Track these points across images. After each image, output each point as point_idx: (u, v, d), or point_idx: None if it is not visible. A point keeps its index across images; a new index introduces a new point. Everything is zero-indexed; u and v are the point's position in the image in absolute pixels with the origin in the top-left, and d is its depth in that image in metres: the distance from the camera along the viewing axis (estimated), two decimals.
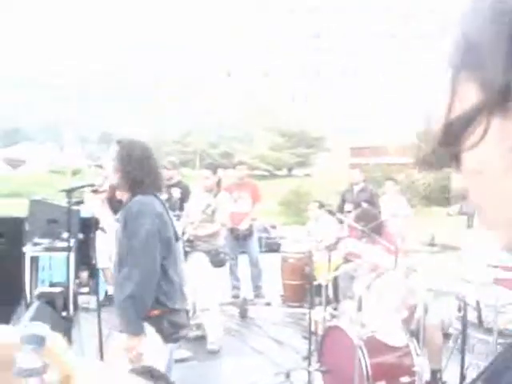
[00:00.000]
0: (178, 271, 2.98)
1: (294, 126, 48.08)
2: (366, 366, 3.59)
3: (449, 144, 0.57)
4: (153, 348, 2.78)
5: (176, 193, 6.51)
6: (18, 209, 8.22)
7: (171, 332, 2.86)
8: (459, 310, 3.44)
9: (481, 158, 0.54)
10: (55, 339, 0.54)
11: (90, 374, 0.57)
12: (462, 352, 3.35)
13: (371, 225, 4.86)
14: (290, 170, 47.47)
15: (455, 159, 0.57)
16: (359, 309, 3.69)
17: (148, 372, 2.04)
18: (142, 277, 2.72)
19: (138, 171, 2.87)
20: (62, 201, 5.73)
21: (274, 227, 14.00)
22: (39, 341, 0.53)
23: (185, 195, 6.48)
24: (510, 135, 0.51)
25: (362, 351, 3.61)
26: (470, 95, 0.54)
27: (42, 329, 0.54)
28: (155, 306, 2.81)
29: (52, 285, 6.21)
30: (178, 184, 6.65)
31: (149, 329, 2.80)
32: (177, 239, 3.05)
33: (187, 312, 5.69)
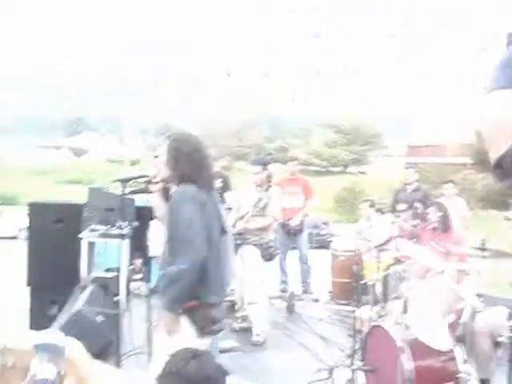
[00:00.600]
0: (221, 266, 2.98)
1: (350, 122, 47.46)
2: (409, 369, 3.56)
3: None
4: (188, 341, 2.81)
5: (217, 184, 6.60)
6: (77, 195, 8.54)
7: (206, 325, 2.87)
8: (510, 318, 3.35)
9: None
10: (75, 347, 0.57)
11: (107, 380, 0.60)
12: (511, 362, 3.27)
13: (440, 221, 4.93)
14: (345, 166, 46.98)
15: None
16: (404, 310, 3.66)
17: (195, 350, 2.11)
18: (190, 262, 2.73)
19: (186, 165, 2.92)
20: (119, 190, 5.93)
21: (326, 224, 13.94)
22: (57, 350, 0.55)
23: (225, 186, 6.57)
24: None
25: (405, 353, 3.58)
26: None
27: (61, 338, 0.56)
28: (192, 298, 2.82)
29: (106, 270, 6.44)
30: (217, 174, 6.73)
31: (184, 321, 2.82)
32: (223, 233, 3.04)
33: (231, 303, 5.81)
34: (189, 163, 2.92)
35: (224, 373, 2.06)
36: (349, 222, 15.67)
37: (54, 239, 6.08)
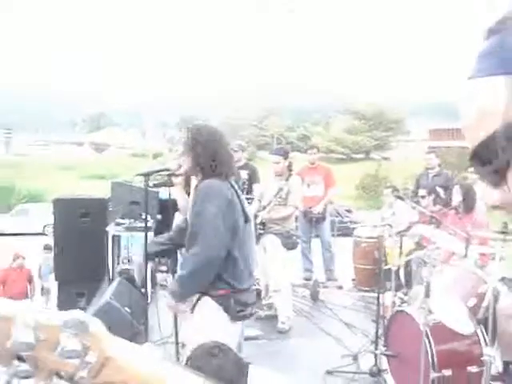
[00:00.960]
0: (247, 253, 3.07)
1: (372, 108, 47.03)
2: (432, 353, 3.59)
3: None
4: (221, 326, 2.92)
5: (243, 175, 6.65)
6: (101, 190, 8.70)
7: (238, 311, 2.97)
8: None
9: None
10: (97, 325, 0.63)
11: (128, 356, 0.66)
12: None
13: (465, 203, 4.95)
14: (367, 153, 46.68)
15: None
16: (427, 295, 3.68)
17: (216, 347, 2.18)
18: (204, 256, 2.84)
19: (204, 155, 2.98)
20: (142, 183, 6.03)
21: (349, 211, 13.96)
22: (82, 326, 0.61)
23: (252, 177, 6.62)
24: None
25: (428, 338, 3.61)
26: None
27: (84, 315, 0.62)
28: (222, 285, 2.93)
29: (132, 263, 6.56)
30: (245, 166, 6.77)
31: (217, 307, 2.94)
32: (246, 221, 3.11)
33: (257, 292, 5.89)
34: (207, 153, 2.98)
35: (246, 366, 2.13)
36: (372, 209, 15.62)
37: (80, 234, 6.22)
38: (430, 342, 3.62)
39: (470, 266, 3.96)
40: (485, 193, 0.63)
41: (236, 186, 3.16)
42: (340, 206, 13.23)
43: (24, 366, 0.61)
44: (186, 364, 2.06)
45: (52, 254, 6.96)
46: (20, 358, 0.60)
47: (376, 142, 46.21)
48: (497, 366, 3.77)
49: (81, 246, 6.20)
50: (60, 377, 0.62)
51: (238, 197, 3.08)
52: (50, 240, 8.13)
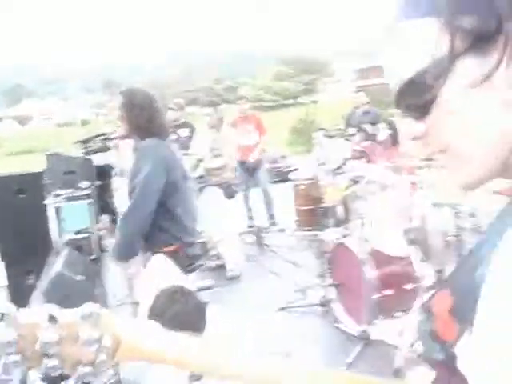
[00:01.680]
0: (189, 208, 3.22)
1: (295, 53, 47.14)
2: (372, 278, 3.89)
3: (421, 91, 0.62)
4: (173, 279, 3.08)
5: (184, 133, 6.72)
6: (32, 165, 8.50)
7: (188, 263, 3.17)
8: (455, 218, 3.69)
9: (452, 98, 0.60)
10: (106, 313, 0.75)
11: (134, 334, 0.77)
12: (457, 251, 3.63)
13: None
14: (296, 98, 47.06)
15: (423, 106, 0.63)
16: (362, 224, 3.96)
17: (177, 291, 2.33)
18: (138, 213, 2.99)
19: (141, 118, 3.07)
20: (74, 152, 5.98)
21: (284, 157, 14.19)
22: (95, 317, 0.73)
23: (192, 134, 6.70)
24: (472, 72, 0.58)
25: (367, 264, 3.91)
26: (443, 42, 0.59)
27: (96, 307, 0.74)
28: (170, 241, 3.10)
29: (77, 232, 6.55)
30: (184, 124, 6.84)
31: (167, 261, 3.10)
32: (185, 178, 3.25)
33: (203, 243, 6.08)
34: (143, 116, 3.07)
35: (204, 307, 2.30)
36: (306, 152, 15.94)
37: (19, 211, 6.12)
38: (369, 268, 3.92)
39: (400, 194, 4.27)
40: (406, 125, 0.67)
41: (173, 145, 3.28)
42: (275, 152, 13.46)
43: (52, 362, 0.70)
44: (150, 311, 2.20)
45: None
46: (47, 356, 0.71)
47: (304, 87, 46.57)
48: (430, 276, 4.15)
49: (21, 222, 6.11)
50: (84, 365, 0.71)
51: (176, 155, 3.20)
52: None
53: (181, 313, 2.17)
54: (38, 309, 0.70)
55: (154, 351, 0.75)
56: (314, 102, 42.61)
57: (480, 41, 0.57)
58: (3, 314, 0.68)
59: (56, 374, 0.71)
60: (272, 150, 12.59)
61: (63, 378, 0.79)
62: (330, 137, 7.04)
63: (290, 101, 46.21)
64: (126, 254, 3.08)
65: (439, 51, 0.59)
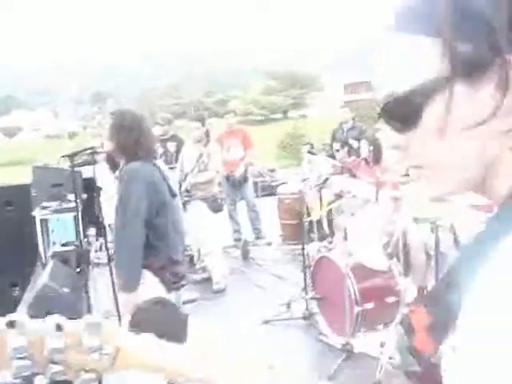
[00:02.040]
0: (177, 226, 3.28)
1: (284, 67, 47.52)
2: (355, 291, 3.97)
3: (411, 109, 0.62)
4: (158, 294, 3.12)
5: (171, 147, 6.80)
6: (20, 176, 8.51)
7: (173, 281, 3.22)
8: (432, 233, 3.77)
9: (437, 119, 0.60)
10: (107, 323, 0.81)
11: (133, 343, 0.83)
12: (436, 268, 3.71)
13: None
14: (285, 112, 47.32)
15: (411, 121, 0.63)
16: (345, 238, 4.04)
17: (160, 302, 2.39)
18: (129, 239, 3.05)
19: (129, 139, 3.14)
20: (62, 165, 6.03)
21: (272, 171, 14.29)
22: (97, 326, 0.80)
23: (180, 148, 6.77)
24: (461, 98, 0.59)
25: (350, 278, 3.99)
26: (437, 64, 0.59)
27: (98, 317, 0.81)
28: (158, 259, 3.15)
29: (63, 244, 6.56)
30: (172, 138, 6.93)
31: (154, 279, 3.14)
32: (173, 195, 3.31)
33: (190, 257, 6.12)
34: (131, 138, 3.14)
35: (186, 319, 2.36)
36: (294, 166, 16.03)
37: (6, 223, 6.15)
38: (351, 281, 4.00)
39: (381, 209, 4.35)
40: (389, 135, 0.67)
41: (161, 165, 3.34)
42: (263, 166, 13.56)
43: (57, 368, 0.75)
44: (131, 321, 2.25)
45: None
46: (53, 362, 0.75)
47: (293, 101, 46.85)
48: (413, 292, 4.23)
49: (8, 234, 6.13)
50: (86, 371, 0.77)
51: (163, 175, 3.27)
52: None
53: (161, 324, 2.22)
54: (46, 318, 0.76)
55: (152, 361, 0.79)
56: (303, 116, 42.92)
57: (474, 70, 0.58)
58: (15, 321, 0.73)
59: (60, 379, 0.77)
60: (260, 164, 12.70)
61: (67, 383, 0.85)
62: (312, 152, 7.14)
63: (279, 115, 46.49)
64: (134, 282, 3.09)
65: (431, 72, 0.59)
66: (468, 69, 0.58)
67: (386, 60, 0.65)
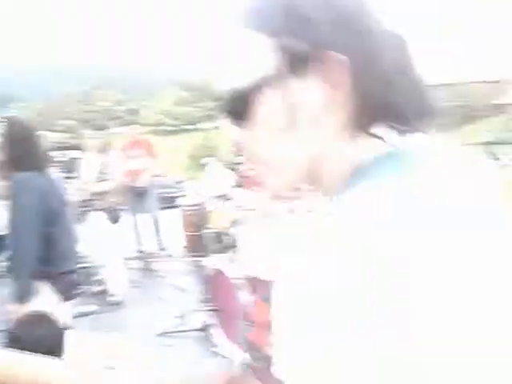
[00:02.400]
0: (68, 235, 3.23)
1: (197, 79, 47.62)
2: (247, 303, 4.03)
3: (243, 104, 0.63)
4: (52, 306, 3.05)
5: (72, 155, 6.65)
6: None
7: (67, 291, 3.15)
8: None
9: (268, 115, 0.62)
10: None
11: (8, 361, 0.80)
12: None
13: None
14: (197, 123, 47.33)
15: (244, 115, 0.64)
16: (237, 249, 4.11)
17: (36, 316, 2.32)
18: (20, 250, 2.96)
19: (18, 150, 3.04)
20: None
21: (179, 182, 14.20)
22: None
23: (81, 157, 6.63)
24: (295, 93, 0.60)
25: (242, 290, 4.05)
26: (268, 59, 0.61)
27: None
28: (51, 269, 3.06)
29: None
30: (74, 146, 6.78)
31: (47, 289, 3.06)
32: (65, 206, 3.25)
33: (84, 270, 5.98)
34: (20, 148, 3.05)
35: (63, 332, 2.31)
36: (202, 178, 16.05)
37: None
38: (243, 293, 4.06)
39: (275, 220, 4.46)
40: (229, 131, 0.68)
41: (53, 174, 3.28)
42: (170, 178, 13.47)
43: None
44: (8, 335, 2.18)
45: None
46: None
47: (207, 113, 46.94)
48: None
49: None
50: None
51: (55, 185, 3.20)
52: None
53: (38, 337, 2.17)
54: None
55: (27, 377, 0.78)
56: (216, 127, 43.12)
57: (303, 65, 0.59)
58: None
59: None
60: (170, 174, 12.62)
61: None
62: (221, 164, 7.21)
63: (191, 126, 46.44)
64: (26, 293, 2.97)
65: (266, 69, 0.61)
66: (297, 64, 0.59)
67: (227, 55, 0.66)
